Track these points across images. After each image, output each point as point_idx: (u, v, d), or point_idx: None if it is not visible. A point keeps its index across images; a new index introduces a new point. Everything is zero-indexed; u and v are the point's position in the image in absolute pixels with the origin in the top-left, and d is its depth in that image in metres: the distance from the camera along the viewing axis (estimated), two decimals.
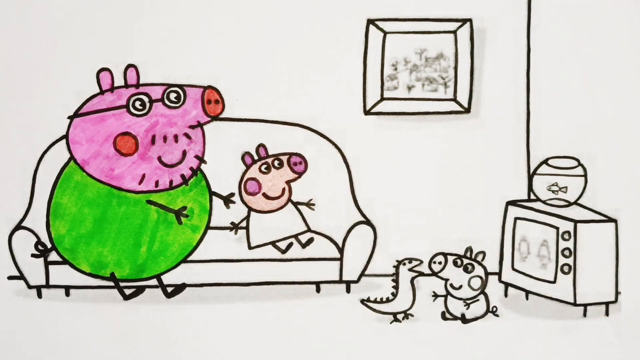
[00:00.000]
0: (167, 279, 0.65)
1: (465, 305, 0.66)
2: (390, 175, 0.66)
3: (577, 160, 0.66)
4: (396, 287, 0.65)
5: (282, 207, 0.65)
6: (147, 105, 0.64)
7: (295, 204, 0.65)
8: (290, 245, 0.66)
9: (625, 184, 0.66)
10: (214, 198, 0.65)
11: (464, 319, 0.66)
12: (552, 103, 0.66)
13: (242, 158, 0.65)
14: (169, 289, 0.65)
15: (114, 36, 0.64)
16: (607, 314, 0.66)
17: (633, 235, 0.66)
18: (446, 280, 0.65)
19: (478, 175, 0.66)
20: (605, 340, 0.66)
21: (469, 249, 0.66)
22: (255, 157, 0.65)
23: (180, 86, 0.64)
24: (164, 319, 0.65)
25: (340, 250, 0.66)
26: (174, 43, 0.64)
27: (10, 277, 0.65)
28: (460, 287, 0.65)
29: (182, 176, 0.64)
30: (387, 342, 0.65)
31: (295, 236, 0.66)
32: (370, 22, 0.65)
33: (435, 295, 0.66)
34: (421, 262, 0.66)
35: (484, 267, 0.66)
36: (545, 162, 0.66)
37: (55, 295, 0.65)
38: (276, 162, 0.65)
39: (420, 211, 0.66)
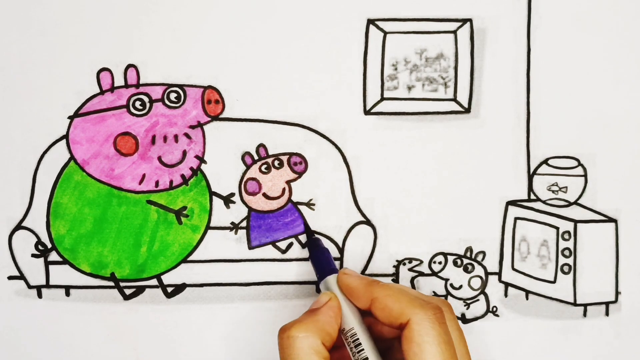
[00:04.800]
0: (167, 279, 0.65)
1: (465, 305, 0.66)
2: (390, 175, 0.66)
3: (577, 160, 0.66)
4: None
5: (282, 207, 0.65)
6: (147, 105, 0.64)
7: (295, 204, 0.65)
8: (290, 245, 0.66)
9: (625, 184, 0.66)
10: (214, 198, 0.65)
11: (464, 319, 0.66)
12: (552, 103, 0.66)
13: (242, 158, 0.65)
14: (169, 289, 0.65)
15: (114, 36, 0.64)
16: (607, 314, 0.66)
17: (633, 235, 0.66)
18: (446, 280, 0.65)
19: (478, 175, 0.66)
20: (605, 340, 0.66)
21: (469, 249, 0.66)
22: (255, 157, 0.65)
23: (180, 86, 0.64)
24: (164, 319, 0.65)
25: (340, 250, 0.66)
26: (174, 43, 0.64)
27: (10, 277, 0.65)
28: (460, 287, 0.65)
29: (182, 176, 0.64)
30: None
31: (295, 236, 0.66)
32: (370, 22, 0.65)
33: (435, 295, 0.66)
34: (421, 262, 0.66)
35: (484, 267, 0.66)
36: (545, 162, 0.66)
37: (55, 295, 0.65)
38: (276, 162, 0.65)
39: (420, 211, 0.66)
